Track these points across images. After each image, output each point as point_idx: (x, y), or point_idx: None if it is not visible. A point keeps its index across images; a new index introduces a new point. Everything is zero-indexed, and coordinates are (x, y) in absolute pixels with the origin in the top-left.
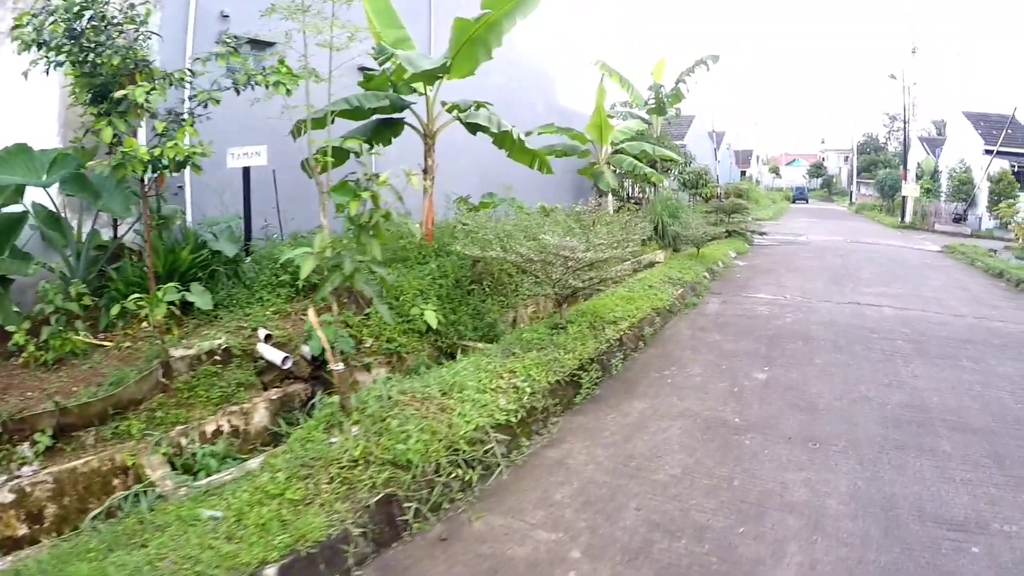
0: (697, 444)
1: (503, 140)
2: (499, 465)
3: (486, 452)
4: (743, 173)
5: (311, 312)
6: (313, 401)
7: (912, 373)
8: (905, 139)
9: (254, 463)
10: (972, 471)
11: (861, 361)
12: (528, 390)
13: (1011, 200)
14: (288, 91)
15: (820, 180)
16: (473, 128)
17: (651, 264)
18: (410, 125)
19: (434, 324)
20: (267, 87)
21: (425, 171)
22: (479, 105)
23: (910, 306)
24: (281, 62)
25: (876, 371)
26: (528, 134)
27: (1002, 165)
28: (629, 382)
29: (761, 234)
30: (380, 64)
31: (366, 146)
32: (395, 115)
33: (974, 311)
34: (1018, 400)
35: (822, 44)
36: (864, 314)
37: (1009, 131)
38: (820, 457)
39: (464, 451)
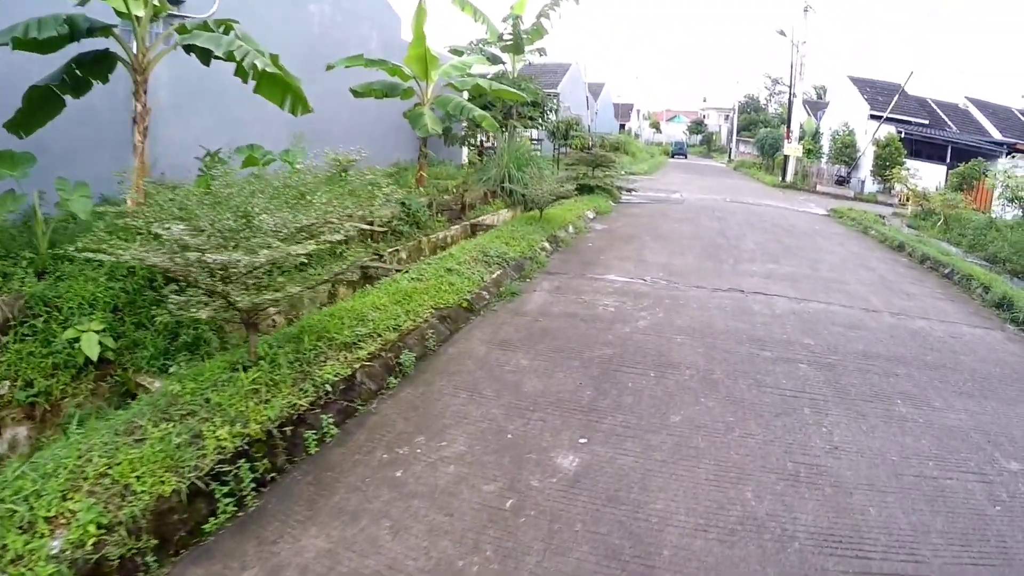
0: None
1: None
2: None
3: None
4: (622, 127)
5: None
6: None
7: (829, 441)
8: (791, 97)
9: None
10: None
11: (747, 415)
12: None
13: (898, 165)
14: None
15: (700, 137)
16: (206, 57)
17: (480, 229)
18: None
19: (94, 355)
20: None
21: (135, 119)
22: (225, 26)
23: (809, 295)
24: None
25: (772, 441)
26: (329, 68)
27: (889, 130)
28: (323, 482)
29: (629, 190)
30: None
31: None
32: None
33: (888, 302)
34: (1007, 510)
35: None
36: (750, 311)
37: (894, 98)
38: None
39: None
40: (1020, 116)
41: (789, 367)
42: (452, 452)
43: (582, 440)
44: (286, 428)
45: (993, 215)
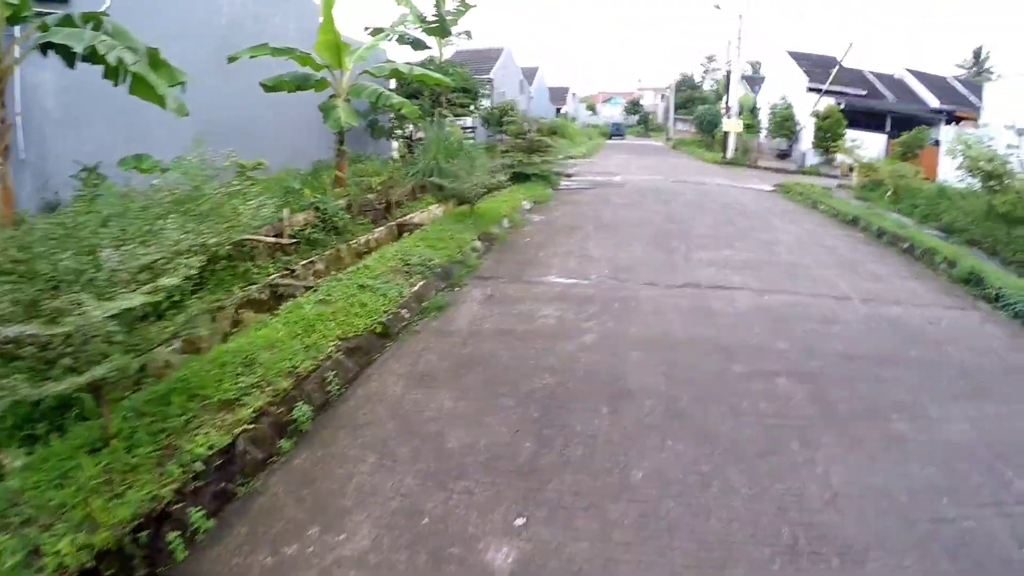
0: None
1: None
2: None
3: None
4: (558, 110)
5: None
6: None
7: (826, 485)
8: (729, 72)
9: None
10: None
11: (725, 460)
12: None
13: (839, 136)
14: None
15: (637, 117)
16: (70, 57)
17: (407, 229)
18: None
19: None
20: None
21: None
22: (95, 20)
23: (773, 285)
24: None
25: (759, 495)
26: (232, 60)
27: (829, 102)
28: None
29: (568, 176)
30: None
31: None
32: None
33: (856, 286)
34: None
35: None
36: (711, 310)
37: (832, 71)
38: None
39: None
40: (956, 85)
41: (766, 383)
42: (353, 550)
43: (519, 521)
44: (145, 530)
45: (941, 182)
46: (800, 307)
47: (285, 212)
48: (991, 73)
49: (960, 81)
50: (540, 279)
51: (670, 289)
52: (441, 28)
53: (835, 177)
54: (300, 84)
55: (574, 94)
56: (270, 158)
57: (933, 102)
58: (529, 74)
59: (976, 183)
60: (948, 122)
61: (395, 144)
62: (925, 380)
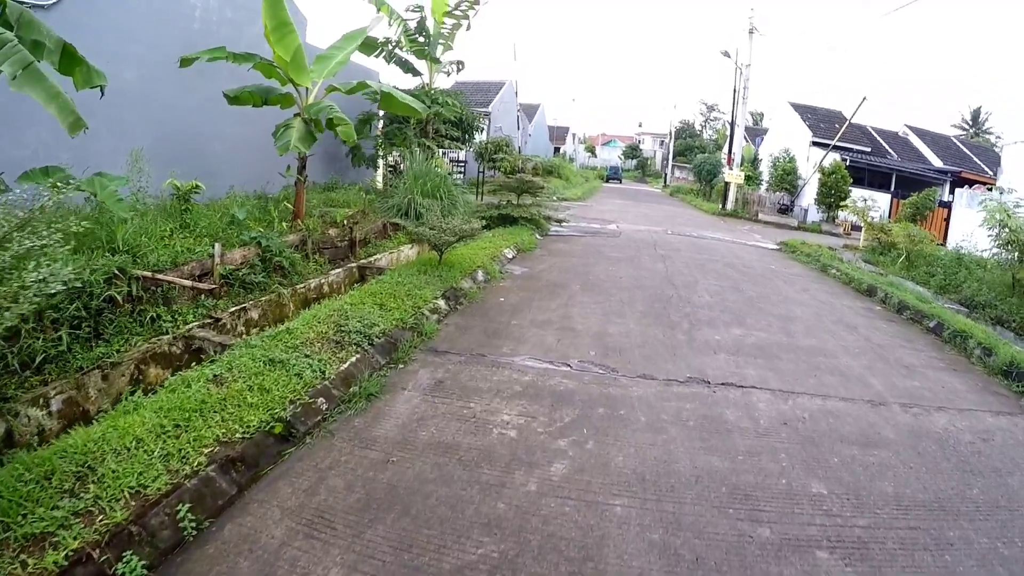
0: None
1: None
2: None
3: None
4: (557, 150)
5: None
6: None
7: None
8: (733, 121)
9: None
10: None
11: None
12: None
13: (844, 194)
14: None
15: (635, 162)
16: None
17: (371, 272)
18: None
19: None
20: None
21: None
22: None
23: (795, 382)
24: None
25: None
26: (185, 63)
27: (835, 157)
28: None
29: (559, 221)
30: None
31: None
32: None
33: (890, 383)
34: None
35: (646, 22)
36: (724, 424)
37: (837, 125)
38: None
39: None
40: (959, 144)
41: (802, 562)
42: None
43: None
44: None
45: (952, 249)
46: (833, 418)
47: (216, 247)
48: (989, 134)
49: (961, 142)
50: (508, 359)
51: (671, 386)
52: (429, 51)
53: (838, 235)
54: (265, 97)
55: (574, 134)
56: (233, 179)
57: (936, 161)
58: (530, 111)
59: (1007, 255)
60: (954, 183)
61: (380, 172)
62: (998, 543)
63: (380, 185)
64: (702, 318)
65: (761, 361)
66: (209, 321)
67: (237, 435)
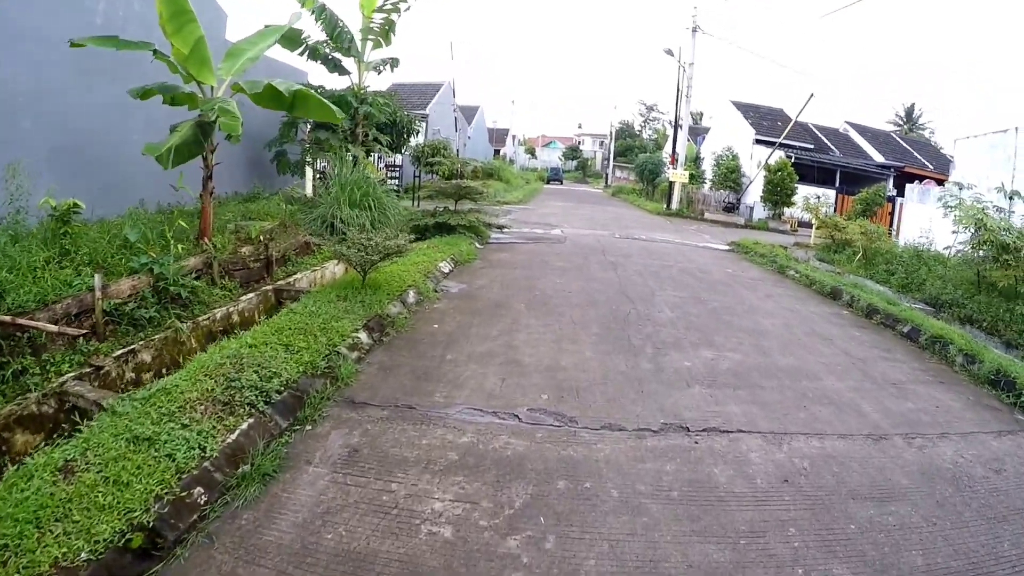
0: None
1: None
2: None
3: None
4: (497, 152)
5: None
6: None
7: None
8: (676, 118)
9: None
10: None
11: None
12: None
13: (789, 190)
14: None
15: (575, 163)
16: None
17: (288, 296)
18: None
19: None
20: None
21: None
22: None
23: (785, 420)
24: None
25: None
26: (75, 45)
27: (780, 155)
28: None
29: (500, 228)
30: None
31: None
32: None
33: (884, 408)
34: None
35: (587, 22)
36: (715, 491)
37: (779, 123)
38: None
39: None
40: (898, 139)
41: None
42: None
43: None
44: None
45: (908, 245)
46: (837, 465)
47: (96, 279)
48: (923, 129)
49: (900, 137)
50: (441, 411)
51: (644, 438)
52: (356, 49)
53: (785, 232)
54: (172, 97)
55: (514, 136)
56: (143, 192)
57: (877, 157)
58: (469, 113)
59: (983, 253)
60: (896, 178)
61: (309, 180)
62: None
63: (310, 193)
64: (666, 339)
65: (742, 392)
66: (89, 371)
67: (82, 555)
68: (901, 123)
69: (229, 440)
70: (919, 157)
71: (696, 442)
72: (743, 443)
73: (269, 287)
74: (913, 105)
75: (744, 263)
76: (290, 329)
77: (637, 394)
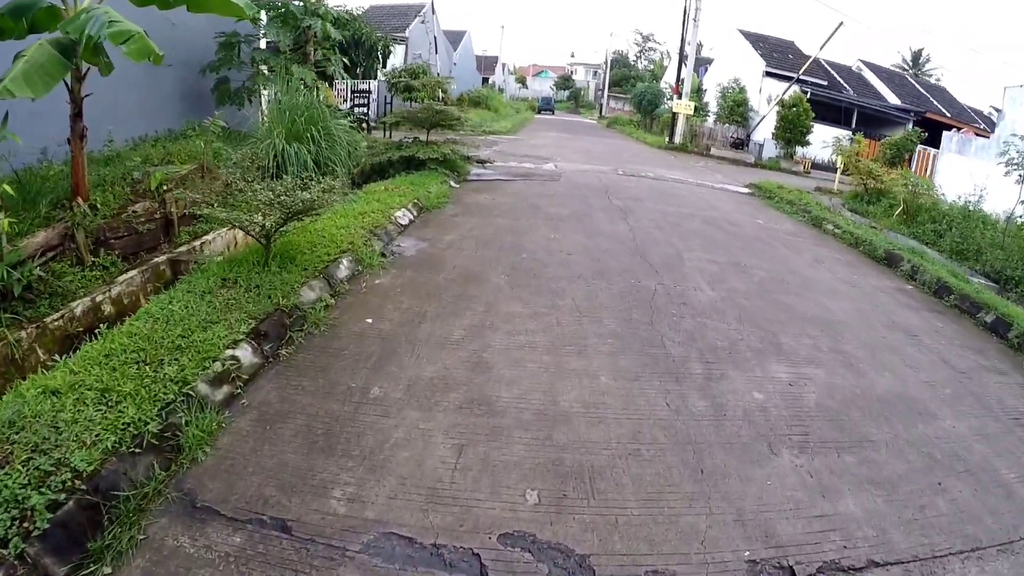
0: None
1: None
2: None
3: None
4: (486, 80)
5: None
6: None
7: None
8: (682, 45)
9: None
10: None
11: None
12: None
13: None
14: None
15: (568, 92)
16: None
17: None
18: None
19: None
20: None
21: None
22: None
23: (931, 532)
24: None
25: None
26: None
27: (795, 89)
28: None
29: (482, 162)
30: None
31: None
32: None
33: None
34: None
35: None
36: None
37: (791, 56)
38: None
39: None
40: (913, 82)
41: None
42: None
43: None
44: None
45: (954, 202)
46: None
47: None
48: (929, 76)
49: (915, 80)
50: (338, 542)
51: None
52: None
53: (798, 174)
54: (30, 18)
55: (504, 65)
56: (30, 132)
57: (893, 99)
58: (455, 38)
59: None
60: (918, 123)
61: (262, 110)
62: None
63: (264, 121)
64: (717, 341)
65: (850, 459)
66: None
67: None
68: (907, 67)
69: None
70: (935, 103)
71: None
72: None
73: (162, 258)
74: (921, 50)
75: (772, 211)
76: (124, 353)
77: (694, 482)
